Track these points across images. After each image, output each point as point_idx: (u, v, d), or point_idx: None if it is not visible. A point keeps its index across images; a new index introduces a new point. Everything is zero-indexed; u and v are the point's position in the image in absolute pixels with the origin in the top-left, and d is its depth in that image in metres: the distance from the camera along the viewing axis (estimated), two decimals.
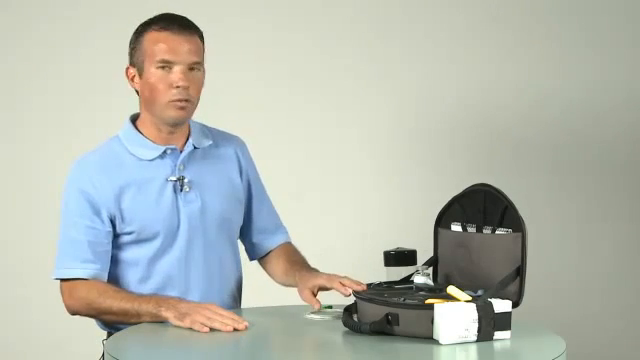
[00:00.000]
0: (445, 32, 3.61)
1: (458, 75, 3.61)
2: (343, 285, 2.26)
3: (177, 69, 2.33)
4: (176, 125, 2.39)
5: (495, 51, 3.62)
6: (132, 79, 2.40)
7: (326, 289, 2.33)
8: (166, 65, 2.33)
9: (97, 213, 2.35)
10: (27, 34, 3.52)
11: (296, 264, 2.52)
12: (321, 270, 2.44)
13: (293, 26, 3.58)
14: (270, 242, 2.60)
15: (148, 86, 2.35)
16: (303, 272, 2.44)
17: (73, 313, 2.38)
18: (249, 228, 2.58)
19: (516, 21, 3.62)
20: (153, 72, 2.34)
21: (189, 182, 2.41)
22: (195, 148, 2.43)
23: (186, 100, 2.34)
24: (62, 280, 2.37)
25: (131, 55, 2.40)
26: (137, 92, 2.42)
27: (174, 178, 2.39)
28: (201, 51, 2.39)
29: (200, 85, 2.38)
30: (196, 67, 2.36)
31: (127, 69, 2.41)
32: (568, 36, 3.63)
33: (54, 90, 3.53)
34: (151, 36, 2.36)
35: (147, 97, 2.37)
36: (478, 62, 3.61)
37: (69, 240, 2.36)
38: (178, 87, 2.33)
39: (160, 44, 2.34)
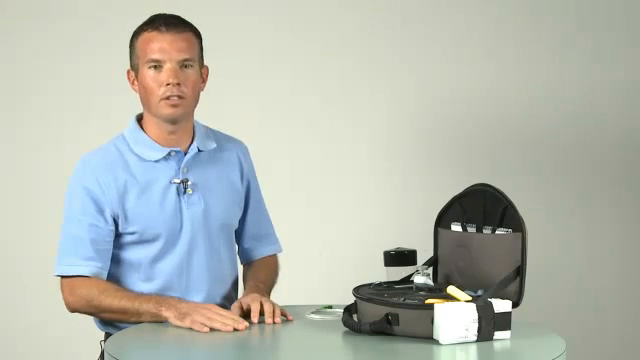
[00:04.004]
0: (445, 32, 3.60)
1: (458, 75, 3.61)
2: (257, 309, 2.27)
3: (167, 67, 2.34)
4: (174, 123, 2.39)
5: (495, 51, 3.61)
6: (132, 82, 2.42)
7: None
8: (157, 64, 2.35)
9: (101, 211, 2.35)
10: (27, 34, 3.52)
11: (252, 279, 2.52)
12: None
13: (293, 26, 3.58)
14: (258, 252, 2.60)
15: (143, 87, 2.37)
16: (249, 285, 2.47)
17: (72, 310, 2.38)
18: (242, 233, 2.58)
19: (516, 22, 3.62)
20: (145, 72, 2.36)
21: (192, 184, 2.41)
22: (199, 151, 2.44)
23: (178, 97, 2.35)
24: (62, 277, 2.37)
25: (130, 59, 2.42)
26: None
27: (178, 180, 2.40)
28: (193, 48, 2.39)
29: (194, 82, 2.38)
30: (188, 64, 2.36)
31: (128, 73, 2.43)
32: (568, 37, 3.62)
33: (54, 90, 3.52)
34: (142, 38, 2.38)
35: (143, 97, 2.39)
36: (478, 62, 3.61)
37: (71, 237, 2.37)
38: (169, 84, 2.33)
39: (150, 44, 2.36)
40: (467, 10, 3.61)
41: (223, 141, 2.52)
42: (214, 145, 2.48)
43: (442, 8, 3.60)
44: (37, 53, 3.52)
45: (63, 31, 3.52)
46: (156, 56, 2.34)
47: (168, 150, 2.40)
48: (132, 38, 2.41)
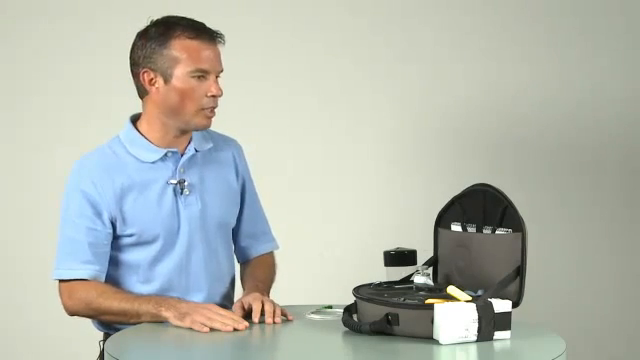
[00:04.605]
0: (447, 33, 3.60)
1: (459, 76, 3.61)
2: (258, 309, 2.27)
3: (212, 78, 2.35)
4: (191, 131, 2.40)
5: (497, 52, 3.61)
6: (149, 82, 2.35)
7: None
8: (202, 74, 2.33)
9: (98, 214, 2.35)
10: (27, 34, 3.52)
11: (251, 278, 2.52)
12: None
13: (294, 26, 3.58)
14: (254, 250, 2.60)
15: (177, 93, 2.33)
16: (249, 284, 2.48)
17: (72, 314, 2.37)
18: (238, 231, 2.58)
19: (518, 23, 3.62)
20: (186, 80, 2.33)
21: (189, 185, 2.41)
22: (196, 151, 2.44)
23: (214, 108, 2.37)
24: (61, 281, 2.37)
25: (149, 58, 2.34)
26: (140, 93, 2.40)
27: (174, 181, 2.39)
28: None
29: None
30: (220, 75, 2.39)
31: (144, 72, 2.35)
32: (569, 38, 3.62)
33: (54, 90, 3.52)
34: (182, 43, 2.33)
35: (174, 103, 2.35)
36: (479, 63, 3.61)
37: (69, 241, 2.36)
38: (214, 96, 2.35)
39: (196, 53, 2.33)
40: (469, 11, 3.61)
41: (219, 141, 2.52)
42: (210, 145, 2.48)
43: (444, 9, 3.60)
44: (37, 53, 3.52)
45: (63, 31, 3.52)
46: (205, 66, 2.33)
47: (165, 151, 2.39)
48: (158, 39, 2.33)
